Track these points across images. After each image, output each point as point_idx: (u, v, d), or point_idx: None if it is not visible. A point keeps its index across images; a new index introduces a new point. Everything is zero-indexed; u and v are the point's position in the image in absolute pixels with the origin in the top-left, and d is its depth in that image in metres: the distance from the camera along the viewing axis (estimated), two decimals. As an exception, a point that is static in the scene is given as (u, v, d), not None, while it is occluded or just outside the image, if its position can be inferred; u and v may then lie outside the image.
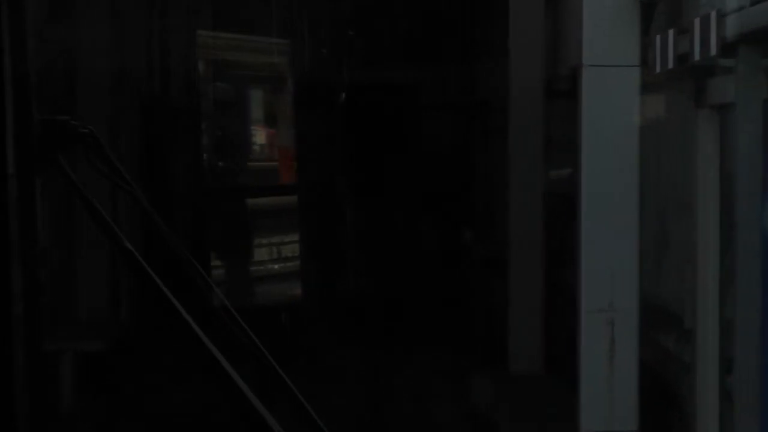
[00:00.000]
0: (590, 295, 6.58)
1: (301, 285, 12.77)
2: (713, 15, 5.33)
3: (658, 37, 6.17)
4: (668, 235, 7.64)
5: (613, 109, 6.67)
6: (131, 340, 9.32)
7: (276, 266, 12.77)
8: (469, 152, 12.85)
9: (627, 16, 6.65)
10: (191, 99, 11.37)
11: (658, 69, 6.13)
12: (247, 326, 2.98)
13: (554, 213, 9.78)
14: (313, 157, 12.80)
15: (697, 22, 5.53)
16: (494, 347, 10.07)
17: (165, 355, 7.60)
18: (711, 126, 6.19)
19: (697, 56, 5.54)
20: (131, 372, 8.84)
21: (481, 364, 10.10)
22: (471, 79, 12.77)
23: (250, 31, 12.41)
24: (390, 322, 11.17)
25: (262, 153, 13.32)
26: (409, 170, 13.16)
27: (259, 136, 13.20)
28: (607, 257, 6.57)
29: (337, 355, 10.41)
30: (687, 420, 6.71)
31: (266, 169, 13.17)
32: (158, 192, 10.16)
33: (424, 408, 9.45)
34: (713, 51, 5.36)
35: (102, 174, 2.67)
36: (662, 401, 7.14)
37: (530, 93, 9.94)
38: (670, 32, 6.03)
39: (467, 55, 12.78)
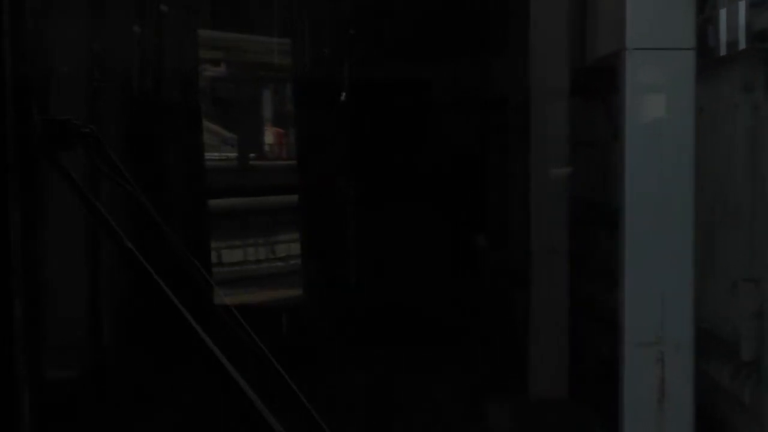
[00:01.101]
0: (635, 325, 5.50)
1: (302, 290, 12.46)
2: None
3: (722, 12, 5.13)
4: (715, 248, 6.74)
5: (662, 100, 5.66)
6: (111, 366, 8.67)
7: (273, 268, 12.45)
8: (487, 153, 12.54)
9: (679, -11, 5.62)
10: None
11: (723, 51, 5.08)
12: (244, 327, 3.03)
13: (578, 219, 9.23)
14: (321, 157, 12.47)
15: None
16: (513, 368, 9.53)
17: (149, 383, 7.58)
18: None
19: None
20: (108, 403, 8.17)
21: (497, 386, 9.53)
22: (488, 73, 12.38)
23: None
24: (398, 338, 10.88)
25: (267, 152, 13.08)
26: (422, 172, 12.99)
27: (267, 135, 13.02)
28: (656, 278, 5.50)
29: (336, 372, 9.88)
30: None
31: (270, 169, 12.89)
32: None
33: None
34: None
35: (104, 174, 2.71)
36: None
37: (554, 88, 9.23)
38: (740, 5, 5.00)
39: (483, 48, 12.36)
